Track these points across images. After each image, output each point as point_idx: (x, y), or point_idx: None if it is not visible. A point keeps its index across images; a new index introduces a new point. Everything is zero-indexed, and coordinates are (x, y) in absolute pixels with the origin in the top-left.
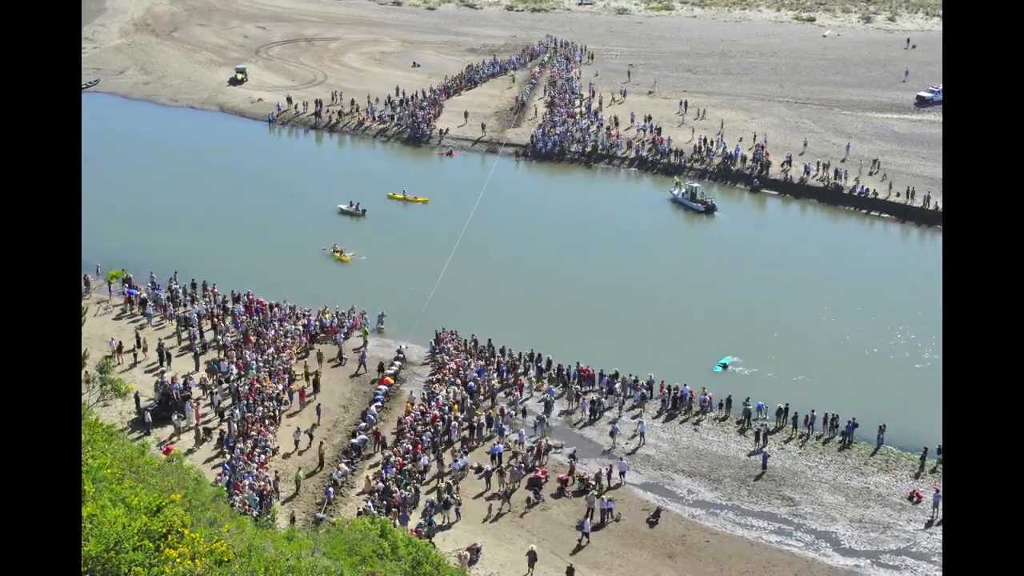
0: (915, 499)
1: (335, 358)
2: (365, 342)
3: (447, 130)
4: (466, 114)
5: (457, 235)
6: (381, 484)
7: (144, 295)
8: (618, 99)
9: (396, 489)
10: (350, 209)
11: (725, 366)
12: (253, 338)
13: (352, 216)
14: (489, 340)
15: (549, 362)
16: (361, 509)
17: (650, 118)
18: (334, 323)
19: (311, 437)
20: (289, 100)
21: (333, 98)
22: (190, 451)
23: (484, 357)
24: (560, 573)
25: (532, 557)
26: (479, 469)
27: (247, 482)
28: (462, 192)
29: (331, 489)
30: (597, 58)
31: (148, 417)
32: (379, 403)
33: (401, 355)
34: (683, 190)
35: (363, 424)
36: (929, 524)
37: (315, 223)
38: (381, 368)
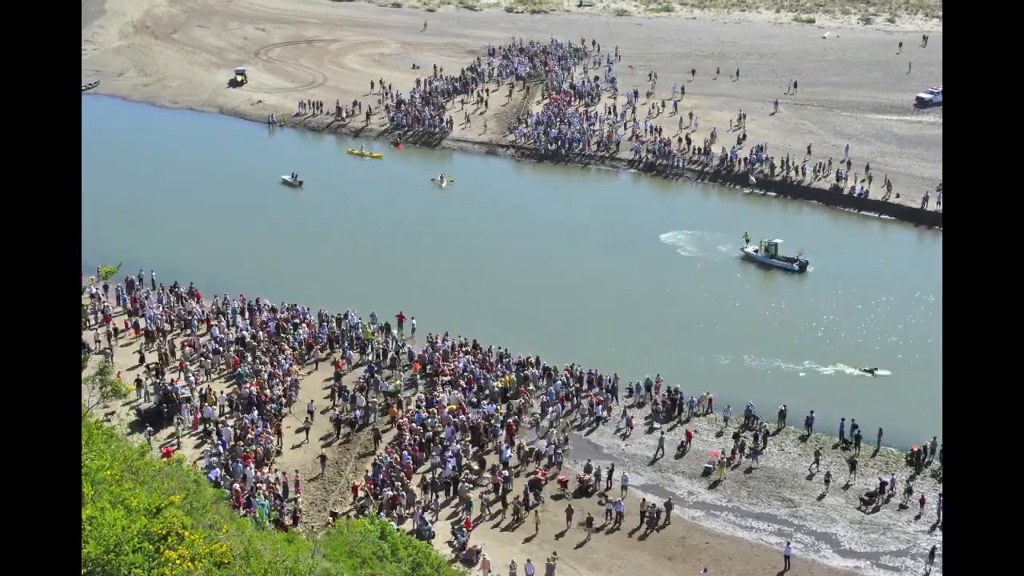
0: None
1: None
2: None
3: (440, 131)
4: (467, 116)
5: (459, 236)
6: (374, 486)
7: (147, 293)
8: (617, 99)
9: (389, 487)
10: (291, 180)
11: None
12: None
13: (291, 187)
14: (475, 341)
15: (548, 366)
16: (353, 512)
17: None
18: (331, 324)
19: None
20: (300, 104)
21: (354, 106)
22: (195, 445)
23: (480, 354)
24: (560, 574)
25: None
26: (478, 470)
27: (249, 484)
28: (462, 193)
29: (358, 412)
30: (595, 59)
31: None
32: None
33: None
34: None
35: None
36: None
37: (259, 197)
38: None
